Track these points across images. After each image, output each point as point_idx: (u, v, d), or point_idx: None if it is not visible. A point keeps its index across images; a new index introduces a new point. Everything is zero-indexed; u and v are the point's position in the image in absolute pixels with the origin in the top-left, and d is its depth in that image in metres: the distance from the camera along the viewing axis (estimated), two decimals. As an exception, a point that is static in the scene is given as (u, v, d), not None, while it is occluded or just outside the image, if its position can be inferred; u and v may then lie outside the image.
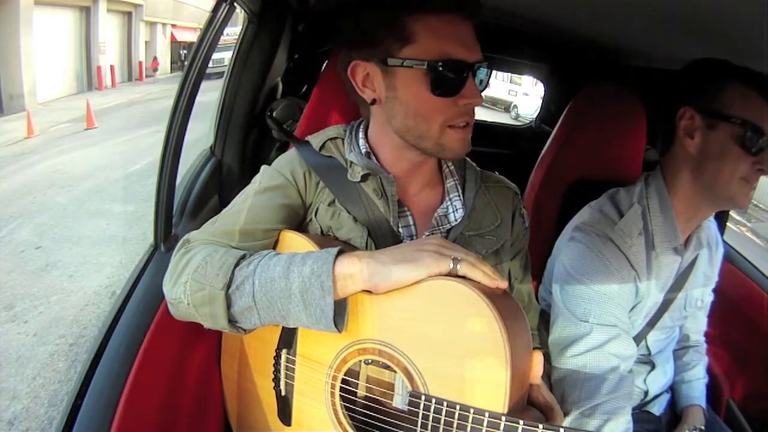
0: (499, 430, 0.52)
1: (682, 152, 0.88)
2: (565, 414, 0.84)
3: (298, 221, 0.76)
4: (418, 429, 0.57)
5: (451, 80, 0.66)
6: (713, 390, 1.22)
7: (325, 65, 1.25)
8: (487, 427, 0.52)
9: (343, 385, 0.66)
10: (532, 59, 1.93)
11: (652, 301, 0.93)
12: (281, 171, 0.76)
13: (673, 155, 0.91)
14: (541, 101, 2.25)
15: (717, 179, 0.85)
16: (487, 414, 0.52)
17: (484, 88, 0.72)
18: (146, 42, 14.99)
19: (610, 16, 1.06)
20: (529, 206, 1.24)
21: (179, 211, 1.05)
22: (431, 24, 0.65)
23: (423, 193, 0.79)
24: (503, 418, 0.52)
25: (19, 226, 4.40)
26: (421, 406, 0.57)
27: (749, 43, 0.82)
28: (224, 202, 0.88)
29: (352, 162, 0.76)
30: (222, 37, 0.98)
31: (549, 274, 0.99)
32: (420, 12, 0.65)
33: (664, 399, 1.09)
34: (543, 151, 1.29)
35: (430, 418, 0.56)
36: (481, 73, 0.69)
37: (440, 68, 0.65)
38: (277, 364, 0.73)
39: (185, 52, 16.11)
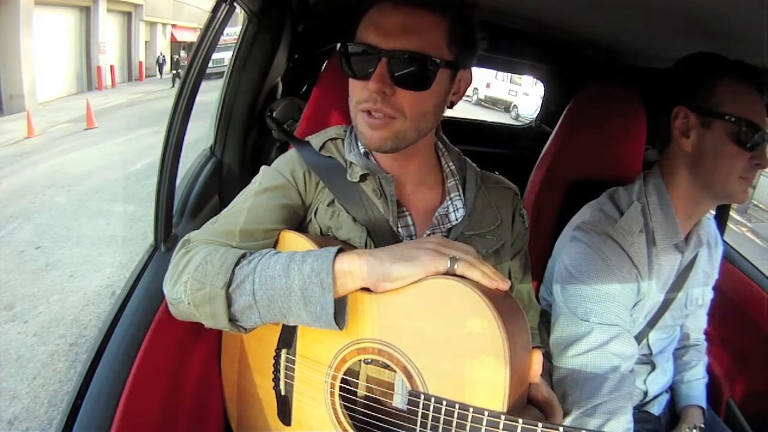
0: (498, 428, 0.52)
1: (679, 151, 0.89)
2: (566, 413, 0.84)
3: (298, 221, 0.76)
4: (418, 428, 0.57)
5: (355, 63, 0.68)
6: (713, 390, 1.22)
7: (325, 65, 1.25)
8: (486, 425, 0.52)
9: (343, 385, 0.66)
10: (532, 59, 1.93)
11: (653, 300, 0.93)
12: (281, 171, 0.76)
13: (671, 154, 0.91)
14: (541, 101, 2.25)
15: (715, 176, 0.86)
16: (486, 413, 0.52)
17: (424, 82, 0.66)
18: (146, 42, 14.97)
19: (610, 16, 1.06)
20: (529, 206, 1.24)
21: (179, 211, 1.05)
22: (366, 16, 0.69)
23: (421, 193, 0.79)
24: (502, 417, 0.52)
25: (19, 226, 4.40)
26: (421, 405, 0.57)
27: (749, 39, 0.83)
28: (224, 202, 0.88)
29: (351, 162, 0.76)
30: (222, 37, 0.98)
31: (550, 273, 0.99)
32: (369, 7, 0.69)
33: (664, 399, 1.09)
34: (543, 151, 1.29)
35: (430, 417, 0.56)
36: (416, 64, 0.65)
37: (346, 49, 0.69)
38: (276, 364, 0.73)
39: (184, 53, 16.04)
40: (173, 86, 13.04)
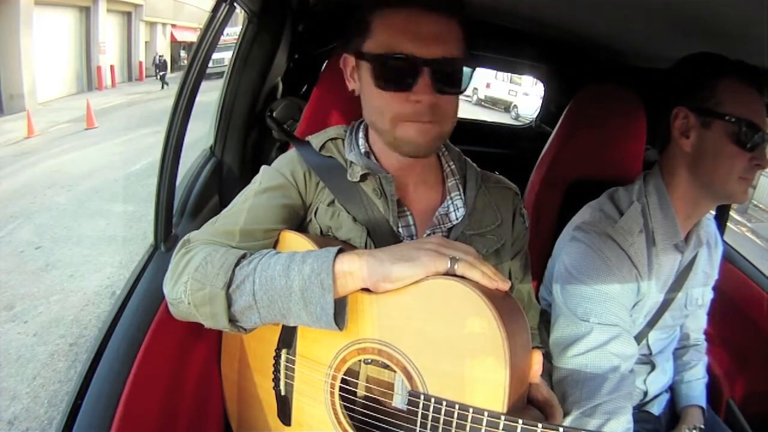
0: (498, 429, 0.52)
1: (679, 151, 0.89)
2: (566, 414, 0.84)
3: (298, 221, 0.76)
4: (418, 428, 0.57)
5: (397, 75, 0.66)
6: (713, 390, 1.22)
7: (325, 65, 1.25)
8: (486, 426, 0.52)
9: (343, 385, 0.66)
10: (532, 59, 1.93)
11: (653, 300, 0.93)
12: (281, 171, 0.76)
13: (670, 154, 0.91)
14: (541, 101, 2.25)
15: (714, 177, 0.86)
16: (486, 413, 0.52)
17: (465, 87, 0.69)
18: (146, 42, 14.95)
19: (610, 16, 1.06)
20: (529, 206, 1.24)
21: (179, 211, 1.05)
22: (388, 19, 0.66)
23: (421, 192, 0.79)
24: (502, 418, 0.52)
25: (19, 226, 4.40)
26: (420, 406, 0.57)
27: (749, 40, 0.83)
28: (224, 202, 0.88)
29: (351, 162, 0.76)
30: (222, 37, 0.98)
31: (549, 273, 0.99)
32: (380, 8, 0.67)
33: (664, 399, 1.09)
34: (543, 151, 1.29)
35: (430, 418, 0.56)
36: (453, 70, 0.67)
37: (385, 62, 0.66)
38: (276, 364, 0.73)
39: (184, 53, 15.86)
40: (162, 88, 12.78)
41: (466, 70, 0.69)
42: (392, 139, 0.70)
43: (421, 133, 0.68)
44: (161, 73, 13.46)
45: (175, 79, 12.60)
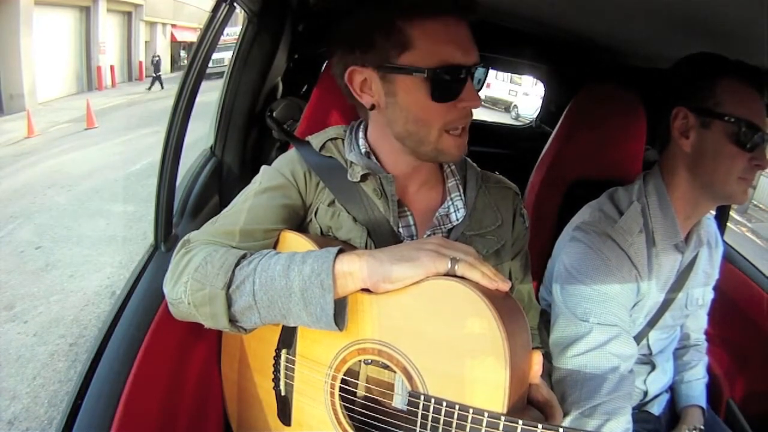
0: (498, 429, 0.52)
1: (679, 151, 0.89)
2: (566, 414, 0.83)
3: (299, 221, 0.76)
4: (418, 429, 0.57)
5: (450, 85, 0.66)
6: (713, 390, 1.22)
7: (325, 65, 1.25)
8: (486, 426, 0.52)
9: (343, 385, 0.66)
10: (532, 59, 1.93)
11: (653, 300, 0.93)
12: (281, 171, 0.76)
13: (670, 154, 0.91)
14: (541, 101, 2.25)
15: (714, 177, 0.86)
16: (486, 414, 0.52)
17: (481, 88, 0.72)
18: (146, 42, 14.93)
19: (610, 16, 1.06)
20: (529, 206, 1.24)
21: (179, 211, 1.05)
22: (429, 29, 0.64)
23: (422, 192, 0.79)
24: (502, 418, 0.52)
25: (19, 226, 4.40)
26: (420, 406, 0.57)
27: (749, 40, 0.83)
28: (224, 202, 0.88)
29: (351, 162, 0.76)
30: (222, 37, 0.98)
31: (549, 273, 0.99)
32: (417, 17, 0.64)
33: (664, 399, 1.09)
34: (543, 151, 1.29)
35: (430, 418, 0.56)
36: (478, 73, 0.69)
37: (440, 75, 0.65)
38: (276, 364, 0.73)
39: (184, 53, 15.75)
40: (150, 88, 12.59)
41: (480, 70, 0.70)
42: (432, 149, 0.70)
43: (462, 146, 0.70)
44: (155, 74, 13.29)
45: (174, 79, 12.54)
